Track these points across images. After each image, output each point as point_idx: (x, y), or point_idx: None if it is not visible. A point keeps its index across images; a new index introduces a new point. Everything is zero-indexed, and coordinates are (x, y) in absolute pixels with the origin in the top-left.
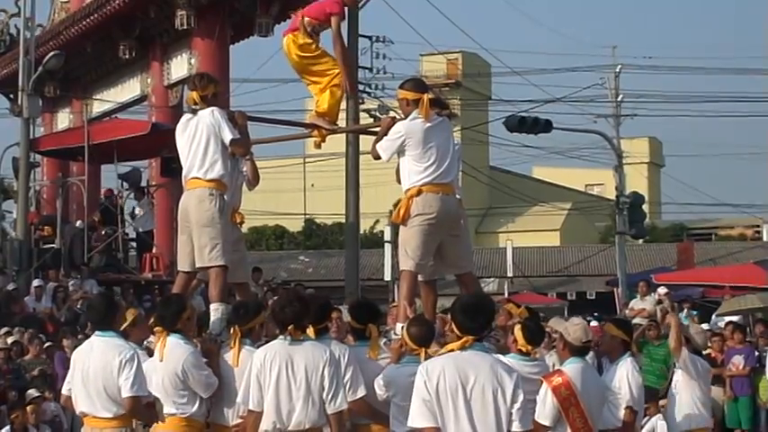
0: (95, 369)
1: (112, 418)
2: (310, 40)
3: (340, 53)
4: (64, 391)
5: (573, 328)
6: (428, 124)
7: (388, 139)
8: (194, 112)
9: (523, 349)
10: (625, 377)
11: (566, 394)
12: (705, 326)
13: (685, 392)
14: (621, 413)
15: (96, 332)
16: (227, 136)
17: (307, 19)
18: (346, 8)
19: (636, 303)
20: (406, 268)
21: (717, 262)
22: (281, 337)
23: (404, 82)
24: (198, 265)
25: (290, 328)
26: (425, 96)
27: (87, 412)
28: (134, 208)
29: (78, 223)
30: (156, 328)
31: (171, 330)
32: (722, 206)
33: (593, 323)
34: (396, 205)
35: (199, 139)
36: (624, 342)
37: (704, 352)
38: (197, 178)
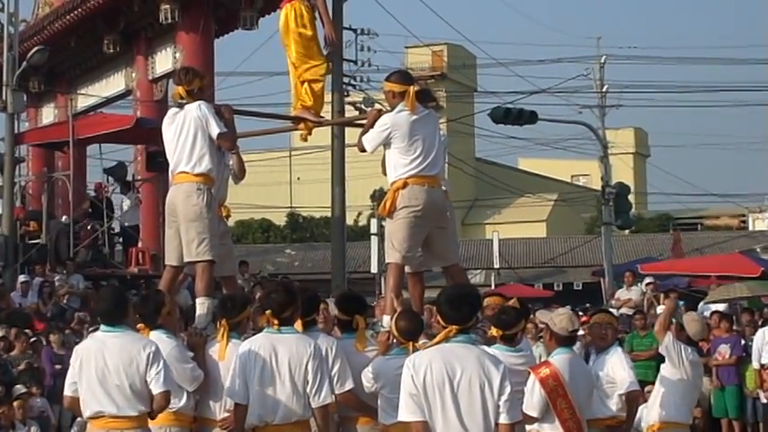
0: (115, 366)
1: (136, 416)
2: (309, 15)
3: (322, 3)
4: (67, 393)
5: (558, 318)
6: (414, 116)
7: (373, 132)
8: (181, 106)
9: (496, 335)
10: (619, 364)
11: (553, 385)
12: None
13: (667, 382)
14: (614, 401)
15: (104, 327)
16: (215, 130)
17: None
18: None
19: (622, 294)
20: (393, 261)
21: (703, 252)
22: (266, 329)
23: (390, 74)
24: (186, 260)
25: (267, 313)
26: (411, 88)
27: (105, 413)
28: (122, 201)
29: (64, 218)
30: (139, 325)
31: (153, 327)
32: (708, 196)
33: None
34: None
35: (186, 133)
36: (613, 331)
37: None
38: (184, 172)
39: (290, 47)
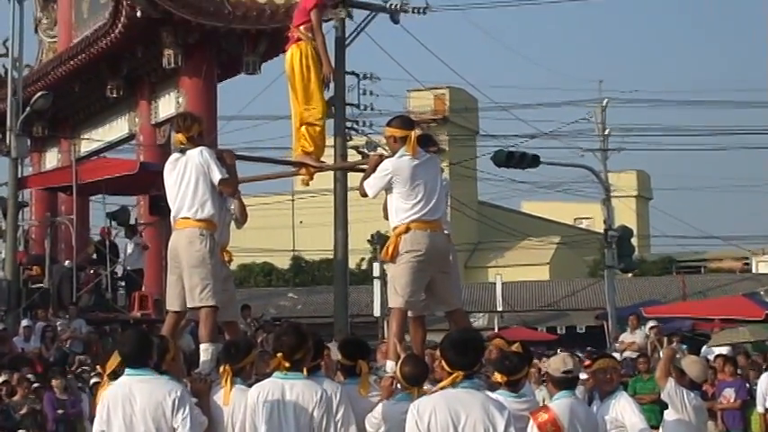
0: (142, 411)
1: None
2: (314, 56)
3: (321, 43)
4: None
5: (553, 359)
6: (415, 161)
7: (375, 177)
8: (183, 151)
9: (500, 381)
10: (628, 408)
11: (551, 430)
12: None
13: (671, 427)
14: None
15: (128, 371)
16: (216, 176)
17: (301, 28)
18: None
19: (626, 337)
20: (396, 305)
21: (706, 294)
22: (274, 374)
23: (391, 119)
24: (188, 306)
25: (278, 355)
26: (413, 133)
27: None
28: (126, 246)
29: (67, 263)
30: None
31: (158, 372)
32: (711, 239)
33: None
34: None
35: (188, 178)
36: (617, 375)
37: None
38: (187, 218)
39: (293, 88)
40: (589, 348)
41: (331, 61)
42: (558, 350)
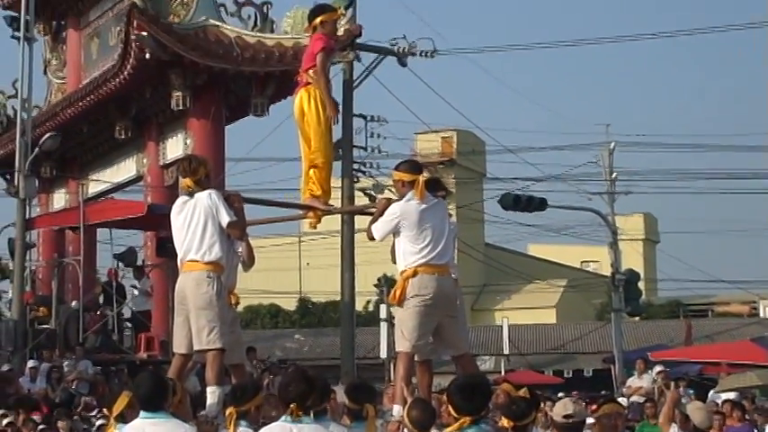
0: None
1: None
2: (321, 100)
3: (324, 85)
4: None
5: (557, 404)
6: (423, 205)
7: (383, 221)
8: (191, 195)
9: (507, 426)
10: None
11: None
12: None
13: None
14: None
15: (143, 414)
16: (225, 219)
17: (310, 72)
18: (331, 40)
19: (633, 381)
20: (403, 349)
21: (714, 339)
22: (282, 418)
23: (399, 163)
24: (195, 348)
25: (292, 406)
26: (420, 178)
27: None
28: (133, 287)
29: (74, 303)
30: None
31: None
32: (718, 282)
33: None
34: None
35: (196, 221)
36: (623, 420)
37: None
38: (194, 260)
39: (302, 131)
40: (603, 392)
41: (336, 103)
42: (560, 394)
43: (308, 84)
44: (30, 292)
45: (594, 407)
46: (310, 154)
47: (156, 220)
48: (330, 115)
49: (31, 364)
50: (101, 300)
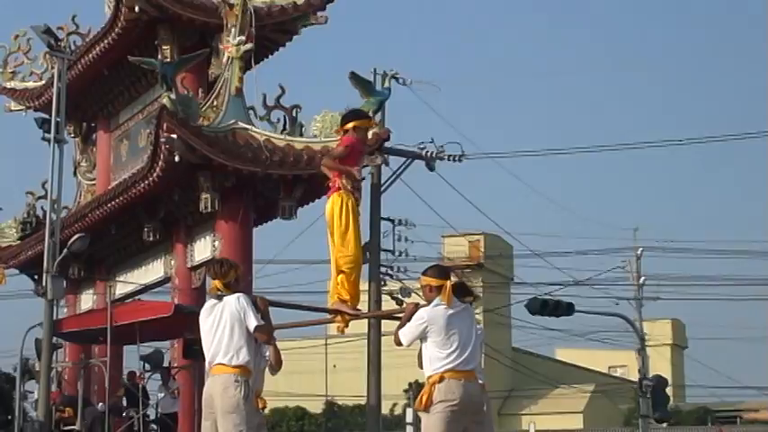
0: None
1: None
2: (353, 206)
3: (331, 159)
4: None
5: None
6: (451, 311)
7: (410, 326)
8: (219, 298)
9: None
10: None
11: None
12: None
13: None
14: None
15: None
16: (252, 323)
17: (343, 179)
18: (358, 143)
19: None
20: None
21: None
22: None
23: (427, 268)
24: None
25: None
26: (448, 283)
27: None
28: (159, 388)
29: (100, 405)
30: None
31: None
32: (746, 389)
33: None
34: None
35: (224, 325)
36: None
37: None
38: (222, 364)
39: (332, 235)
40: None
41: (349, 169)
42: None
43: (340, 189)
44: (57, 391)
45: None
46: (339, 259)
47: (184, 321)
48: (349, 172)
49: None
50: (124, 402)
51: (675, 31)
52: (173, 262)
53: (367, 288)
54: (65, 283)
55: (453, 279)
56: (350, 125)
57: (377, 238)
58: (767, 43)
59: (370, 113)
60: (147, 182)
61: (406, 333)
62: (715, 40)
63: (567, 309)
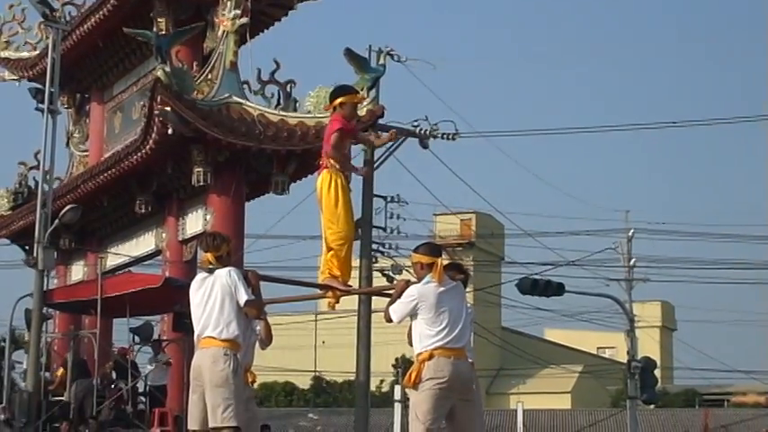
0: None
1: None
2: (342, 183)
3: (339, 163)
4: None
5: None
6: (441, 288)
7: (400, 302)
8: (210, 271)
9: None
10: None
11: None
12: None
13: None
14: None
15: None
16: (243, 297)
17: (330, 152)
18: (348, 122)
19: None
20: None
21: (729, 429)
22: None
23: (418, 246)
24: (210, 425)
25: None
26: (439, 261)
27: None
28: (149, 361)
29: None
30: None
31: None
32: (734, 372)
33: None
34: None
35: (214, 298)
36: None
37: None
38: (211, 337)
39: (322, 211)
40: None
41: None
42: None
43: (329, 167)
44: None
45: None
46: (329, 236)
47: (173, 294)
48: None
49: None
50: (113, 375)
51: (680, 15)
52: (164, 235)
53: (358, 265)
54: (55, 254)
55: (445, 257)
56: (337, 101)
57: (369, 214)
58: (767, 24)
59: (365, 90)
60: (139, 154)
61: (397, 310)
62: (718, 22)
63: (558, 289)
